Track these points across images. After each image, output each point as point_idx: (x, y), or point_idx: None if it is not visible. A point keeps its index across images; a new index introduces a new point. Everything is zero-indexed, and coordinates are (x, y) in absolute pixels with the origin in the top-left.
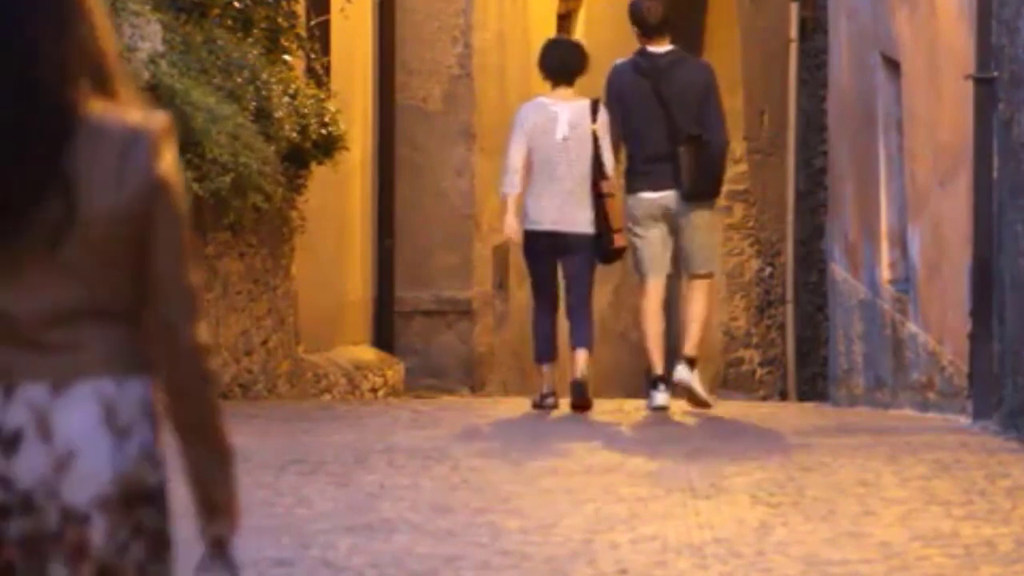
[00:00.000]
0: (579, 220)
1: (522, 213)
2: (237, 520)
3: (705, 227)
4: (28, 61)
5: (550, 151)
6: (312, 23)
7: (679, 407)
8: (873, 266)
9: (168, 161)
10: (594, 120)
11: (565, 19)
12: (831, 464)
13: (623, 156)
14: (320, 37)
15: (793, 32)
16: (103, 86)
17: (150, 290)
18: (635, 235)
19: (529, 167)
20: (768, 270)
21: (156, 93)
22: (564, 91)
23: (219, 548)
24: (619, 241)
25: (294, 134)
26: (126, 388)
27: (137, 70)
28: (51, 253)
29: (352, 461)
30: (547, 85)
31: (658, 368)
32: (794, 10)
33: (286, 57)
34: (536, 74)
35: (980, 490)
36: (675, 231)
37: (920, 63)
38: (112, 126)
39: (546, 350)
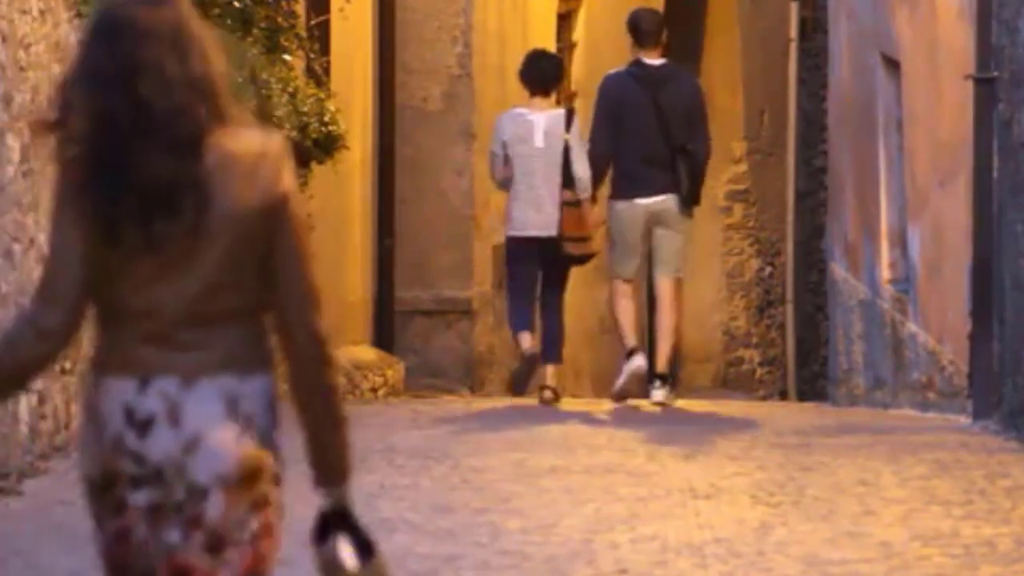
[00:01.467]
0: (555, 224)
1: (505, 220)
2: (351, 486)
3: (685, 233)
4: (160, 94)
5: (528, 159)
6: (312, 23)
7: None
8: (873, 266)
9: (288, 176)
10: (568, 130)
11: (565, 19)
12: (831, 464)
13: (611, 162)
14: (320, 37)
15: (793, 32)
16: (221, 113)
17: (276, 290)
18: (618, 238)
19: (509, 175)
20: (768, 270)
21: None
22: (540, 101)
23: (341, 510)
24: (572, 248)
25: (294, 133)
26: (248, 382)
27: None
28: (186, 261)
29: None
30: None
31: (631, 339)
32: (794, 10)
33: (286, 57)
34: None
35: (980, 490)
36: (653, 234)
37: (920, 63)
38: (238, 147)
39: (523, 323)
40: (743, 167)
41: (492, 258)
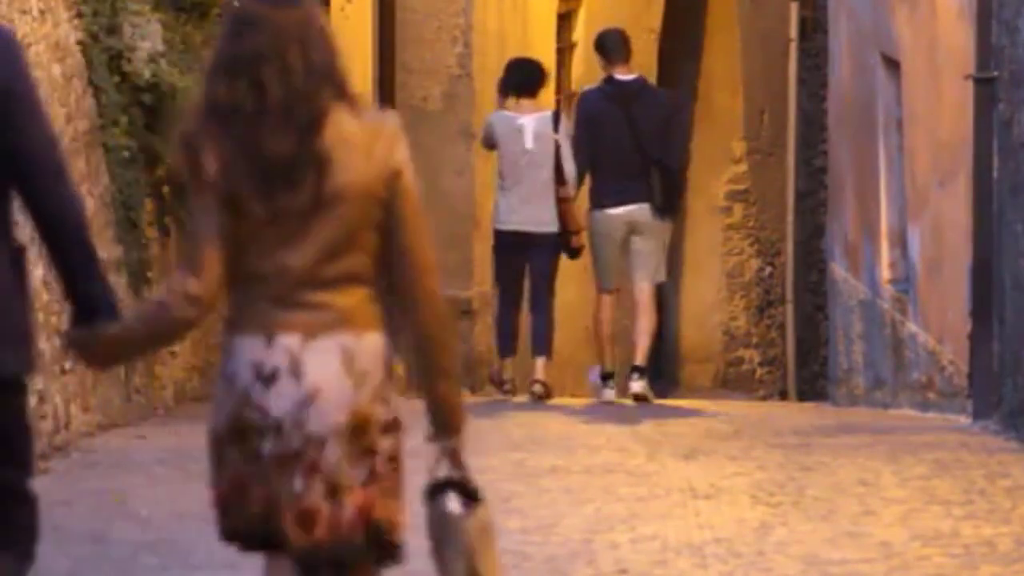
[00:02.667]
0: (544, 220)
1: (493, 214)
2: (464, 435)
3: (661, 239)
4: (287, 78)
5: (517, 159)
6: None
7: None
8: (873, 266)
9: (402, 151)
10: (556, 130)
11: (565, 19)
12: (831, 464)
13: (588, 175)
14: None
15: (793, 32)
16: (342, 95)
17: (393, 257)
18: (598, 248)
19: (500, 173)
20: (768, 270)
21: (157, 91)
22: (527, 103)
23: (453, 457)
24: (574, 242)
25: None
26: (362, 340)
27: (137, 68)
28: (307, 229)
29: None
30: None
31: (608, 362)
32: (794, 10)
33: None
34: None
35: (980, 490)
36: (630, 242)
37: (920, 63)
38: (356, 125)
39: (507, 347)
40: (743, 167)
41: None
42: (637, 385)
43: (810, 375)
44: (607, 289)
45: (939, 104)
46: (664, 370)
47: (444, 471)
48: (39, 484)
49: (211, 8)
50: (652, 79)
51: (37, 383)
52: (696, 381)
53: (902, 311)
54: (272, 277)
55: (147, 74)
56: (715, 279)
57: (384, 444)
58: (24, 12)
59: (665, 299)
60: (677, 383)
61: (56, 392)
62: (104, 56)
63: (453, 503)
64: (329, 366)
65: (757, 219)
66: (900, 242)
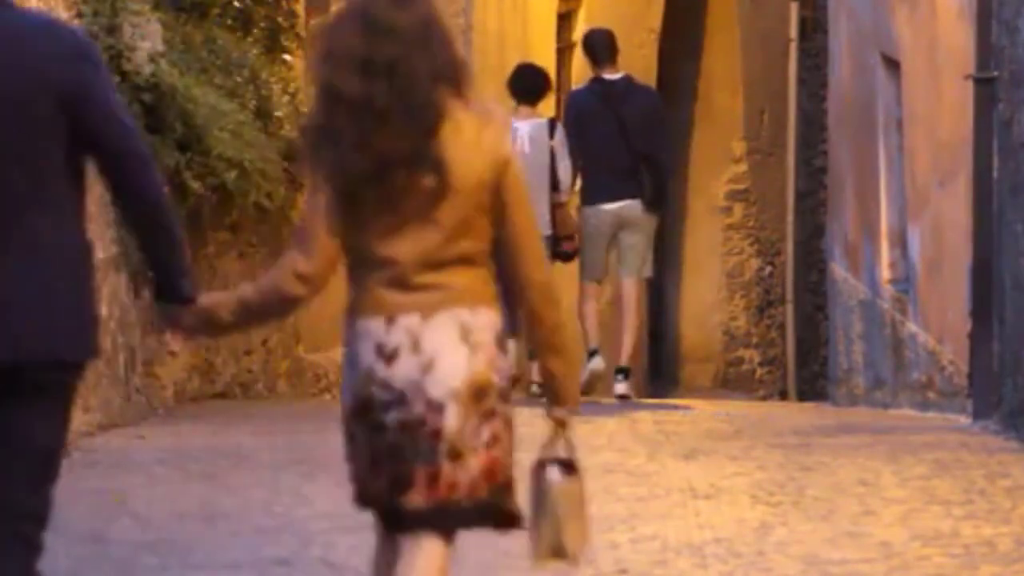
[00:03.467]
0: (542, 225)
1: None
2: (576, 408)
3: (648, 234)
4: (407, 76)
5: None
6: (312, 23)
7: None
8: (873, 266)
9: (508, 142)
10: (551, 137)
11: (565, 19)
12: (831, 464)
13: (580, 173)
14: None
15: (793, 32)
16: (458, 90)
17: (504, 240)
18: (587, 241)
19: None
20: (768, 270)
21: (157, 91)
22: (525, 110)
23: (562, 426)
24: (566, 246)
25: (294, 134)
26: (477, 315)
27: (137, 68)
28: (426, 214)
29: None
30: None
31: (593, 341)
32: (794, 10)
33: (286, 56)
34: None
35: (980, 490)
36: (619, 238)
37: (920, 63)
38: (468, 120)
39: (510, 323)
40: (743, 167)
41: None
42: (621, 387)
43: (810, 375)
44: (590, 279)
45: (939, 104)
46: (664, 370)
47: (552, 449)
48: None
49: (211, 8)
50: (652, 79)
51: None
52: (696, 381)
53: (902, 311)
54: (391, 263)
55: (147, 74)
56: (715, 279)
57: (501, 409)
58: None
59: (665, 299)
60: (677, 383)
61: None
62: (104, 56)
63: (553, 473)
64: (446, 337)
65: (757, 219)
66: (900, 242)
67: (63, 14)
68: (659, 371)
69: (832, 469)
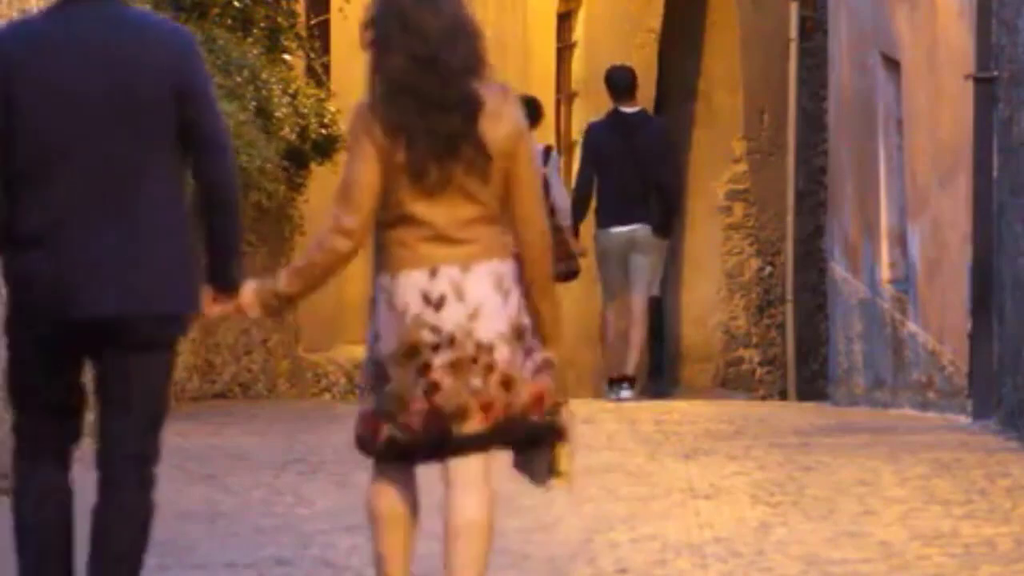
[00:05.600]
0: None
1: None
2: (559, 348)
3: (657, 255)
4: (446, 64)
5: None
6: (312, 23)
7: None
8: (873, 265)
9: (521, 115)
10: (545, 164)
11: (565, 19)
12: (831, 463)
13: (595, 198)
14: (320, 37)
15: (793, 32)
16: (482, 75)
17: (515, 200)
18: (602, 262)
19: None
20: (768, 269)
21: None
22: None
23: (547, 365)
24: (564, 267)
25: (294, 135)
26: (505, 264)
27: None
28: (462, 179)
29: (352, 461)
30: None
31: (615, 371)
32: (794, 10)
33: (286, 57)
34: (533, 75)
35: (980, 490)
36: (630, 259)
37: (920, 62)
38: (491, 98)
39: None
40: (743, 167)
41: None
42: (626, 394)
43: (810, 375)
44: (610, 300)
45: (939, 104)
46: (664, 370)
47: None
48: None
49: (211, 8)
50: (652, 79)
51: None
52: (696, 381)
53: (902, 311)
54: (431, 221)
55: None
56: (715, 279)
57: (535, 344)
58: (24, 12)
59: (665, 298)
60: (677, 383)
61: None
62: None
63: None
64: (485, 287)
65: (757, 219)
66: (900, 242)
67: None
68: (659, 371)
69: (832, 469)
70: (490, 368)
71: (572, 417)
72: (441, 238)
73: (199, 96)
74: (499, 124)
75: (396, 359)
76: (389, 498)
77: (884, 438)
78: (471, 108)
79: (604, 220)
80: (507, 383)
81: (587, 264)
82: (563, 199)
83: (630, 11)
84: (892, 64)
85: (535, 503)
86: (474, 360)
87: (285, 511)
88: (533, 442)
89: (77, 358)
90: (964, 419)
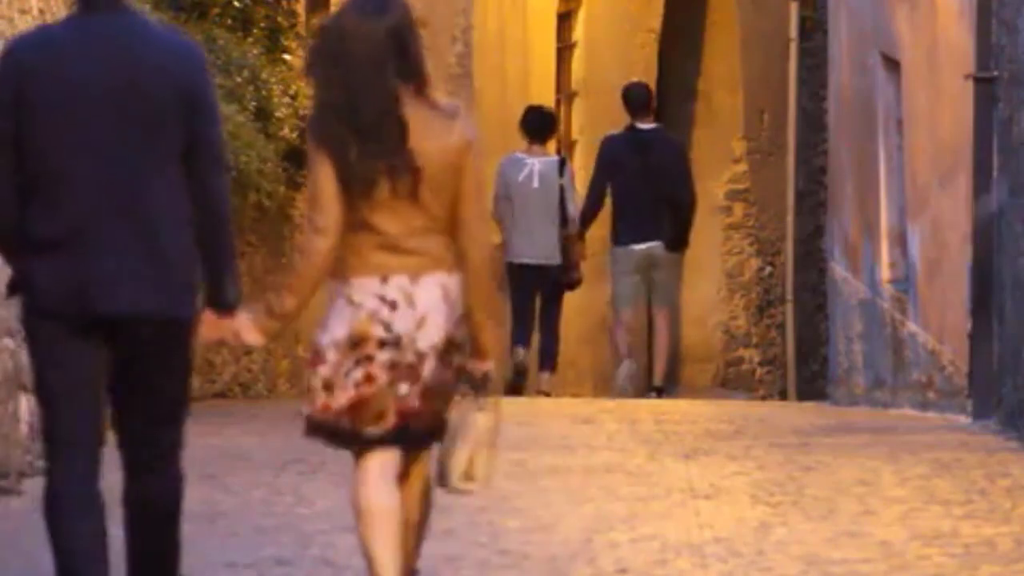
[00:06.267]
0: (551, 254)
1: (505, 249)
2: (493, 360)
3: (674, 270)
4: (378, 80)
5: (526, 197)
6: (312, 23)
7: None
8: (873, 265)
9: (470, 129)
10: (561, 175)
11: (565, 19)
12: (831, 463)
13: (611, 215)
14: None
15: (793, 32)
16: (422, 88)
17: (459, 212)
18: (618, 277)
19: (511, 210)
20: (768, 269)
21: None
22: (537, 148)
23: (484, 379)
24: (572, 276)
25: (293, 135)
26: (452, 277)
27: None
28: (409, 194)
29: (352, 460)
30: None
31: (623, 353)
32: (794, 10)
33: (286, 57)
34: (533, 75)
35: (980, 489)
36: (648, 273)
37: (920, 62)
38: (435, 110)
39: (521, 339)
40: (743, 167)
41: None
42: (654, 395)
43: (810, 375)
44: (620, 311)
45: (939, 104)
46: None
47: (476, 389)
48: (38, 486)
49: (211, 8)
50: (652, 79)
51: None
52: (696, 381)
53: (902, 311)
54: (381, 231)
55: None
56: (715, 279)
57: (458, 360)
58: (24, 12)
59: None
60: (677, 383)
61: None
62: None
63: (473, 408)
64: (434, 297)
65: (757, 219)
66: (900, 242)
67: (63, 14)
68: None
69: (832, 469)
70: (416, 378)
71: (498, 417)
72: (392, 247)
73: (206, 110)
74: (447, 140)
75: (339, 346)
76: (368, 490)
77: (884, 438)
78: (400, 129)
79: (621, 237)
80: (427, 394)
81: (587, 267)
82: (574, 208)
83: (630, 11)
84: (892, 64)
85: (535, 503)
86: (410, 367)
87: (285, 511)
88: (418, 445)
89: (99, 356)
90: (964, 419)
